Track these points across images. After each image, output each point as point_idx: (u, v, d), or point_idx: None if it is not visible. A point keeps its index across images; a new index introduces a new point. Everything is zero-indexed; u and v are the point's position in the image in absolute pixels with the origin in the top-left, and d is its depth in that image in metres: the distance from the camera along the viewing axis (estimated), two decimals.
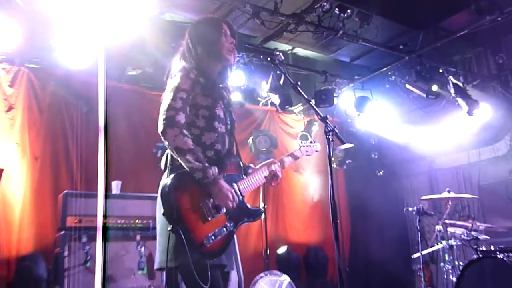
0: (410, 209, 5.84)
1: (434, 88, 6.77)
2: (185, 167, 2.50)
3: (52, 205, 5.45)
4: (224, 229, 2.59)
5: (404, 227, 8.36)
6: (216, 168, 2.53)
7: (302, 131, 7.99)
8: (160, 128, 2.50)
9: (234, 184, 2.72)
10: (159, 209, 2.54)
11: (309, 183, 8.09)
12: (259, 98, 7.33)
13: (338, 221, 2.64)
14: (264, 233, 6.36)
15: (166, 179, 2.54)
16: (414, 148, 8.10)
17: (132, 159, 6.36)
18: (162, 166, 2.71)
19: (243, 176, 2.84)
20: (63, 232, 4.60)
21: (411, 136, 8.04)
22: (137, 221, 4.97)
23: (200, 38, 2.81)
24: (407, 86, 6.94)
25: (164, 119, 2.50)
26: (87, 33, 5.14)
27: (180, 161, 2.51)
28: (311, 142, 3.41)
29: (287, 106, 6.90)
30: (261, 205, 6.36)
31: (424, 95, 6.81)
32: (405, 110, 7.88)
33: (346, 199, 8.50)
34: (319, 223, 7.88)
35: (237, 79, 6.47)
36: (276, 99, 6.63)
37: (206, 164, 2.50)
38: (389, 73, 7.16)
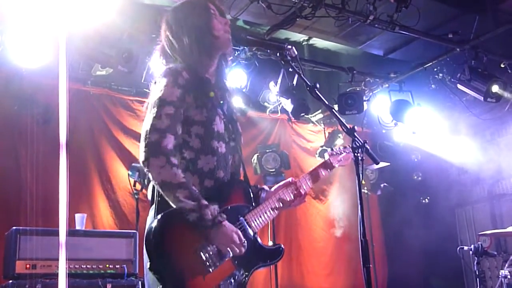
0: (466, 247, 5.80)
1: (494, 88, 6.78)
2: (175, 206, 2.48)
3: None
4: (232, 280, 2.59)
5: (459, 271, 8.30)
6: (216, 207, 2.51)
7: (322, 146, 8.02)
8: (142, 157, 2.48)
9: (242, 219, 2.71)
10: (146, 261, 2.50)
11: (332, 214, 8.09)
12: (265, 104, 7.37)
13: (371, 265, 2.64)
14: (274, 280, 6.35)
15: (153, 222, 2.50)
16: (470, 168, 8.08)
17: (101, 184, 6.40)
18: (149, 197, 2.70)
19: (253, 206, 2.83)
20: (11, 281, 4.58)
21: (464, 151, 8.03)
22: (108, 265, 4.96)
23: (184, 25, 2.80)
24: (459, 86, 6.95)
25: (146, 145, 2.48)
26: (43, 22, 5.21)
27: (168, 199, 2.49)
28: (344, 147, 3.32)
29: (302, 114, 6.92)
30: (270, 243, 6.37)
31: (482, 98, 6.81)
32: (456, 118, 7.89)
33: (381, 235, 8.48)
34: (346, 267, 7.85)
35: (236, 79, 6.52)
36: (288, 104, 6.67)
37: (203, 201, 2.48)
38: (435, 69, 7.19)
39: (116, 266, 4.97)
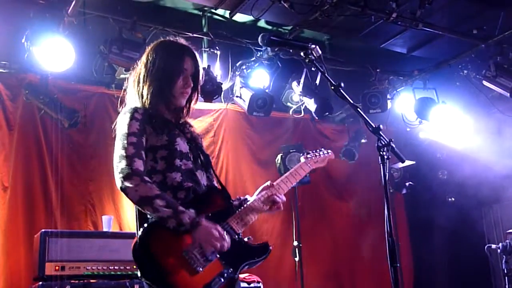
0: (494, 246, 5.76)
1: None
2: (155, 218, 2.64)
3: (26, 248, 5.57)
4: (221, 278, 2.70)
5: (486, 270, 8.21)
6: (192, 210, 2.67)
7: (345, 146, 8.01)
8: (118, 183, 2.68)
9: (223, 222, 2.82)
10: (138, 272, 2.66)
11: (357, 214, 8.07)
12: (288, 104, 7.37)
13: (398, 265, 2.65)
14: (300, 281, 6.35)
15: (137, 238, 2.67)
16: (497, 165, 7.99)
17: None
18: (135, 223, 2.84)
19: (234, 210, 2.95)
20: (41, 283, 4.66)
21: (491, 149, 7.94)
22: (135, 267, 5.00)
23: (153, 70, 2.94)
24: (484, 82, 6.88)
25: (119, 172, 2.67)
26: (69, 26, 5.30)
27: (148, 214, 2.66)
28: (320, 149, 3.51)
29: (326, 113, 6.92)
30: (295, 243, 6.38)
31: (508, 95, 6.74)
32: (482, 115, 7.81)
33: (407, 234, 8.43)
34: (372, 267, 7.82)
35: (259, 79, 6.55)
36: (311, 104, 6.67)
37: (179, 208, 2.64)
38: (460, 66, 7.12)
39: None
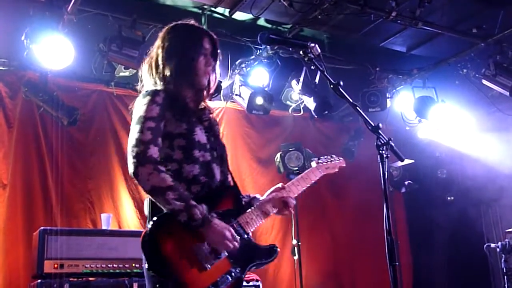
0: (493, 245, 5.77)
1: None
2: (166, 210, 2.59)
3: (25, 246, 5.57)
4: (229, 276, 2.68)
5: (485, 269, 8.22)
6: (204, 206, 2.63)
7: (345, 144, 8.02)
8: (130, 168, 2.60)
9: (233, 220, 2.81)
10: (144, 265, 2.63)
11: (356, 213, 8.07)
12: (288, 102, 7.38)
13: (397, 263, 2.64)
14: (299, 279, 6.36)
15: (147, 229, 2.63)
16: (496, 165, 7.99)
17: (126, 184, 6.47)
18: (146, 213, 2.80)
19: (244, 209, 2.92)
20: (40, 280, 4.67)
21: (490, 148, 7.95)
22: (133, 264, 5.02)
23: (173, 51, 2.91)
24: (484, 81, 6.88)
25: (133, 157, 2.60)
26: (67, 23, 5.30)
27: (159, 205, 2.61)
28: (331, 156, 3.51)
29: (325, 112, 6.92)
30: (294, 241, 6.39)
31: (507, 93, 6.74)
32: (481, 114, 7.81)
33: (406, 233, 8.44)
34: (371, 266, 7.82)
35: (259, 78, 6.55)
36: (310, 102, 6.67)
37: (192, 202, 2.59)
38: (459, 65, 7.12)
39: (142, 265, 5.02)
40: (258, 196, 3.09)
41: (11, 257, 5.59)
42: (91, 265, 4.83)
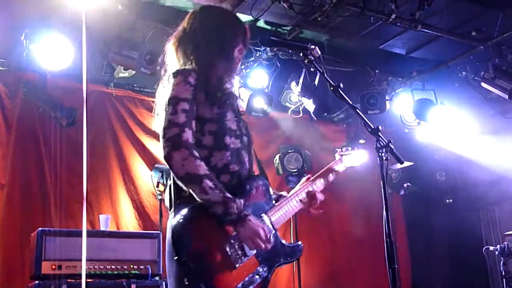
0: (491, 248, 5.76)
1: None
2: (200, 200, 2.46)
3: (22, 247, 5.56)
4: (257, 276, 2.58)
5: (484, 272, 8.21)
6: (241, 201, 2.52)
7: (342, 145, 7.99)
8: (164, 152, 2.46)
9: (264, 216, 2.72)
10: (170, 260, 2.49)
11: (355, 214, 8.07)
12: (287, 104, 7.38)
13: (396, 266, 2.63)
14: (297, 281, 6.35)
15: (175, 219, 2.50)
16: (495, 167, 7.99)
17: (124, 185, 6.46)
18: (167, 203, 2.71)
19: (273, 203, 2.84)
20: (38, 282, 4.65)
21: (489, 151, 7.95)
22: (132, 266, 5.01)
23: (212, 34, 2.82)
24: (483, 84, 6.89)
25: (166, 140, 2.46)
26: (66, 24, 5.29)
27: (193, 193, 2.46)
28: (352, 148, 3.41)
29: (324, 114, 6.93)
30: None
31: (506, 96, 6.74)
32: (480, 117, 7.81)
33: (405, 235, 8.43)
34: (370, 268, 7.82)
35: (258, 79, 6.54)
36: (309, 104, 6.68)
37: (228, 195, 2.47)
38: (458, 68, 7.13)
39: (140, 267, 5.02)
40: (284, 193, 3.02)
41: (9, 257, 5.58)
42: (89, 267, 4.81)
